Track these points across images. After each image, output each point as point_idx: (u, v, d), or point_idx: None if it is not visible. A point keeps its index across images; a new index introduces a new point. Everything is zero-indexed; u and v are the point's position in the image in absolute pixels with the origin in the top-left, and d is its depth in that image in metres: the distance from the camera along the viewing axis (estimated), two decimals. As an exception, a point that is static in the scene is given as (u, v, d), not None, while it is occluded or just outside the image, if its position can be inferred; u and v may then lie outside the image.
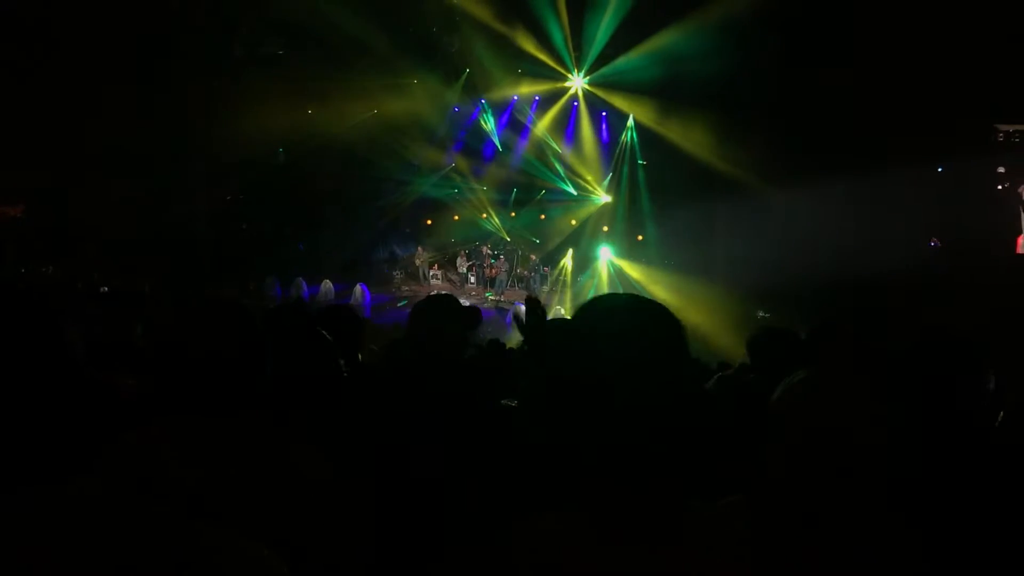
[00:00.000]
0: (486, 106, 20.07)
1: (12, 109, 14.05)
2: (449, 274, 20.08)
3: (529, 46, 17.88)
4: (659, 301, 1.29)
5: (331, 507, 1.51)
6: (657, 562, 1.16)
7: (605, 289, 18.73)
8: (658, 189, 17.20)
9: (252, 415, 1.50)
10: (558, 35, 17.55)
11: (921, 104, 13.10)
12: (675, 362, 1.23)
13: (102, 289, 12.16)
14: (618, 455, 1.19)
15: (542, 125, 19.98)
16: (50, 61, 14.00)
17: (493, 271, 19.79)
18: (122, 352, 3.22)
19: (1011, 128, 14.46)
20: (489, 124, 20.21)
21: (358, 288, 17.86)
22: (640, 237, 19.83)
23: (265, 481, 1.43)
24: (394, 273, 20.16)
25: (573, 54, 18.16)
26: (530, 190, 20.48)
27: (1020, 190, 14.50)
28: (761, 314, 14.60)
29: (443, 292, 16.87)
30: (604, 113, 19.77)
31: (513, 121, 20.21)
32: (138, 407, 1.62)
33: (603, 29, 17.05)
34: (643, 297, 1.32)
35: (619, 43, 17.17)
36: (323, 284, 18.00)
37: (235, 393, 1.48)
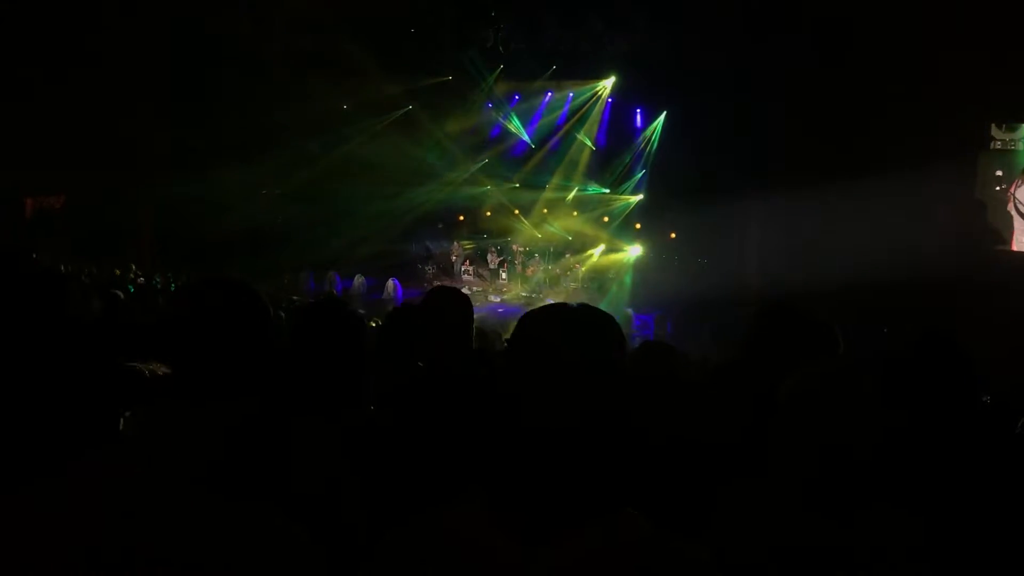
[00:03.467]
0: (520, 102, 20.09)
1: (53, 101, 14.33)
2: (480, 270, 20.14)
3: (564, 41, 17.84)
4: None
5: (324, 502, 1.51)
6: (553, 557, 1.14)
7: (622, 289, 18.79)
8: (691, 187, 17.06)
9: (251, 401, 1.50)
10: (591, 30, 17.47)
11: (921, 106, 13.48)
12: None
13: (139, 280, 12.40)
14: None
15: (575, 122, 19.96)
16: (93, 56, 14.25)
17: (530, 270, 19.82)
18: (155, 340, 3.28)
19: (1006, 137, 15.00)
20: (518, 123, 20.23)
21: (390, 282, 17.99)
22: (673, 235, 19.70)
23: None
24: (426, 268, 20.27)
25: (605, 49, 18.06)
26: (562, 187, 20.47)
27: (1011, 191, 14.94)
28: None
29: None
30: (638, 110, 19.69)
31: (546, 118, 20.20)
32: (158, 391, 1.65)
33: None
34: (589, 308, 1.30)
35: (654, 38, 17.09)
36: (356, 278, 18.17)
37: (235, 377, 1.48)
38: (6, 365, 1.03)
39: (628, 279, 19.28)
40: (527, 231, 20.61)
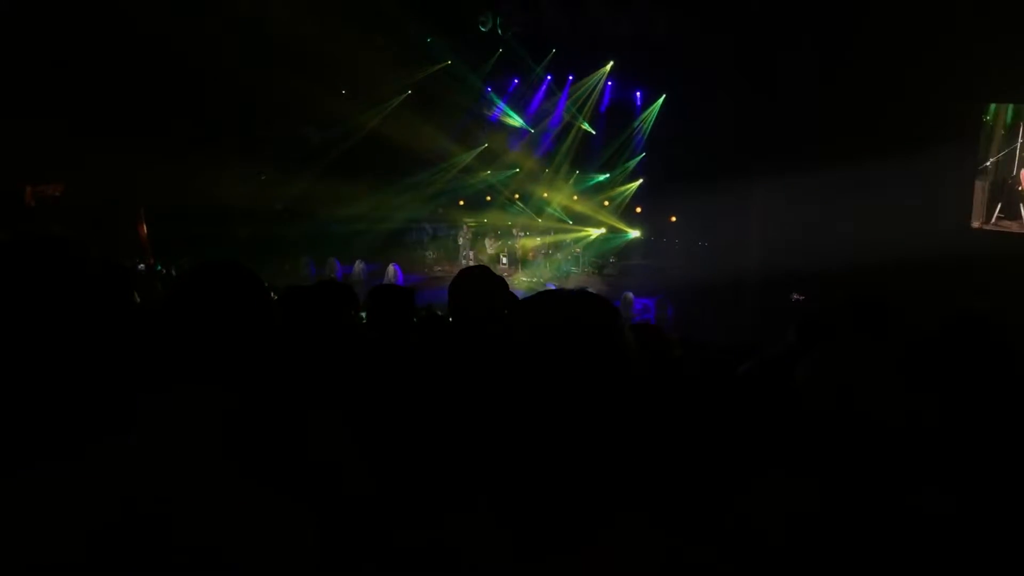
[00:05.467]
0: (518, 87, 20.02)
1: (49, 92, 14.26)
2: (479, 255, 20.14)
3: (563, 25, 17.75)
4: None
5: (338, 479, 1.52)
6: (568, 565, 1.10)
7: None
8: (691, 171, 17.03)
9: (250, 385, 1.50)
10: (590, 13, 17.38)
11: (924, 87, 13.55)
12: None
13: (139, 267, 12.39)
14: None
15: (574, 106, 19.90)
16: (85, 38, 14.16)
17: (530, 255, 19.80)
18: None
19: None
20: (514, 114, 20.17)
21: (391, 267, 17.96)
22: (673, 218, 19.66)
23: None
24: (427, 253, 20.26)
25: (604, 33, 17.96)
26: (562, 171, 20.44)
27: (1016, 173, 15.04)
28: (795, 296, 14.47)
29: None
30: (638, 93, 19.62)
31: (545, 102, 20.14)
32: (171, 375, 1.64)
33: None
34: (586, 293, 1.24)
35: (653, 21, 16.99)
36: (356, 264, 18.14)
37: (237, 362, 1.48)
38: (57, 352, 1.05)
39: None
40: (527, 216, 20.60)
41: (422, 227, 21.13)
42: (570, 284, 18.69)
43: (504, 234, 20.28)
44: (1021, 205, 14.98)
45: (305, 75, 16.41)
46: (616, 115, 19.92)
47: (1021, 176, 14.96)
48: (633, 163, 19.85)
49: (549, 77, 19.71)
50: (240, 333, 1.50)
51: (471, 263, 19.52)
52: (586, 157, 20.34)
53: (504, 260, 19.87)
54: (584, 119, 19.98)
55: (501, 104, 20.10)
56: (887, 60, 13.61)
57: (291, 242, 17.94)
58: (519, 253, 19.84)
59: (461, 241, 20.07)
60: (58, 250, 1.08)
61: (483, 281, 2.81)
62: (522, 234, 20.08)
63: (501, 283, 2.93)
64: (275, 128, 17.08)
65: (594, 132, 20.07)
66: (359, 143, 18.73)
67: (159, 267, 13.48)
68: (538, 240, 19.96)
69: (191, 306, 1.49)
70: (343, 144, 18.51)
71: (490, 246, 20.10)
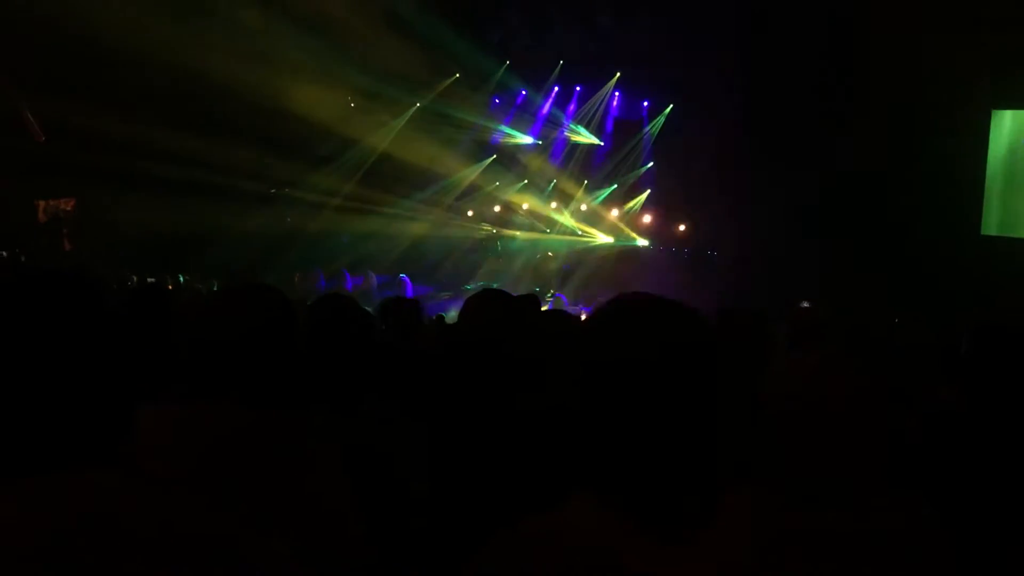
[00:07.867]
0: (526, 98, 20.04)
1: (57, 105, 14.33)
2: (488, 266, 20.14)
3: (570, 37, 17.80)
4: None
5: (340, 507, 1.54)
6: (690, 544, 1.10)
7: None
8: (699, 179, 17.03)
9: (277, 406, 1.54)
10: (598, 25, 17.44)
11: (930, 93, 13.52)
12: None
13: (131, 281, 12.36)
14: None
15: (582, 117, 19.94)
16: (96, 57, 14.24)
17: (540, 265, 19.81)
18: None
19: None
20: (515, 132, 20.19)
21: (400, 279, 17.98)
22: (682, 227, 19.62)
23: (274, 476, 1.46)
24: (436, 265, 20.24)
25: (612, 44, 18.01)
26: (569, 182, 20.46)
27: None
28: (803, 304, 14.39)
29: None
30: (645, 103, 19.64)
31: (553, 113, 20.16)
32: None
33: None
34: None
35: (661, 32, 17.04)
36: (367, 275, 18.16)
37: (263, 382, 1.52)
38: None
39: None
40: (536, 227, 20.63)
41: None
42: (579, 292, 18.69)
43: (513, 244, 20.31)
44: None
45: (312, 88, 16.48)
46: (623, 126, 19.95)
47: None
48: (639, 172, 19.88)
49: (556, 88, 19.76)
50: (263, 351, 1.55)
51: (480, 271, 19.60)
52: (594, 168, 20.36)
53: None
54: (591, 130, 20.01)
55: (503, 128, 20.11)
56: (892, 66, 13.56)
57: (301, 254, 17.97)
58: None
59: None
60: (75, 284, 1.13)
61: (493, 308, 2.71)
62: (529, 244, 20.10)
63: (520, 307, 2.83)
64: (287, 140, 17.09)
65: (601, 143, 20.10)
66: (371, 161, 18.78)
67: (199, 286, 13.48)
68: (549, 254, 19.97)
69: (232, 326, 1.55)
70: (355, 162, 18.56)
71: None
